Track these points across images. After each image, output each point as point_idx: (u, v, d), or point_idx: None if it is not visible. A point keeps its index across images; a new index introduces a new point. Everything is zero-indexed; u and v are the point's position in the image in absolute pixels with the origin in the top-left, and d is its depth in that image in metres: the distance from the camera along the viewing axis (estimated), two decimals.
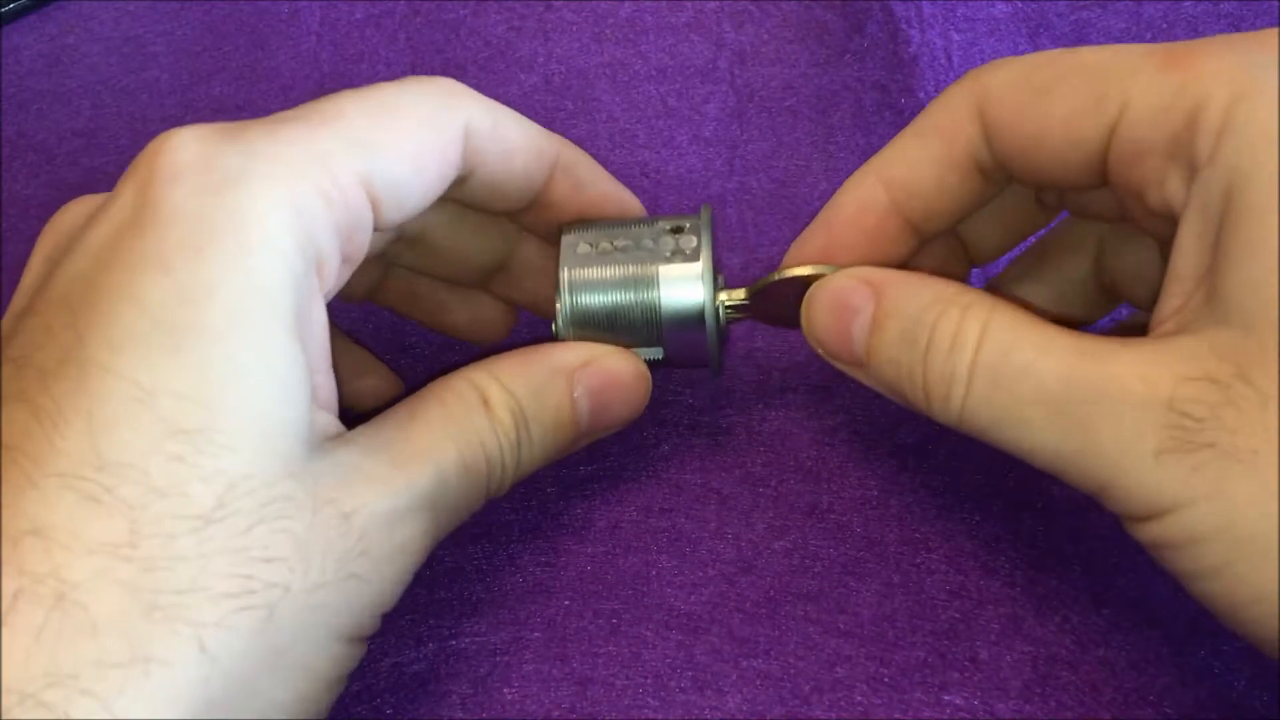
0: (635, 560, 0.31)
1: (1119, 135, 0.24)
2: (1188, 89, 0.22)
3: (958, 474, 0.32)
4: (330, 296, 0.25)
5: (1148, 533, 0.22)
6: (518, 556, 0.31)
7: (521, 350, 0.28)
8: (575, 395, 0.27)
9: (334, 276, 0.24)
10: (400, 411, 0.25)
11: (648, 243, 0.29)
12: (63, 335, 0.21)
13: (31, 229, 0.39)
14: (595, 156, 0.30)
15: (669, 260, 0.28)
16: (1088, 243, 0.30)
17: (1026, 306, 0.25)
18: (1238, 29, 0.41)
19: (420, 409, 0.25)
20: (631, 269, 0.28)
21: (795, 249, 0.29)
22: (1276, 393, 0.20)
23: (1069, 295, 0.31)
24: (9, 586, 0.19)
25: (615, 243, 0.29)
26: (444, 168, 0.26)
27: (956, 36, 0.41)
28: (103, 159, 0.41)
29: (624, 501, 0.32)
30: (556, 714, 0.28)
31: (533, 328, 0.35)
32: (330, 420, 0.24)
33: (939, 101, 0.27)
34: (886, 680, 0.28)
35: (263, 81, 0.43)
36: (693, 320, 0.28)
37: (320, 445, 0.23)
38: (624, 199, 0.30)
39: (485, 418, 0.25)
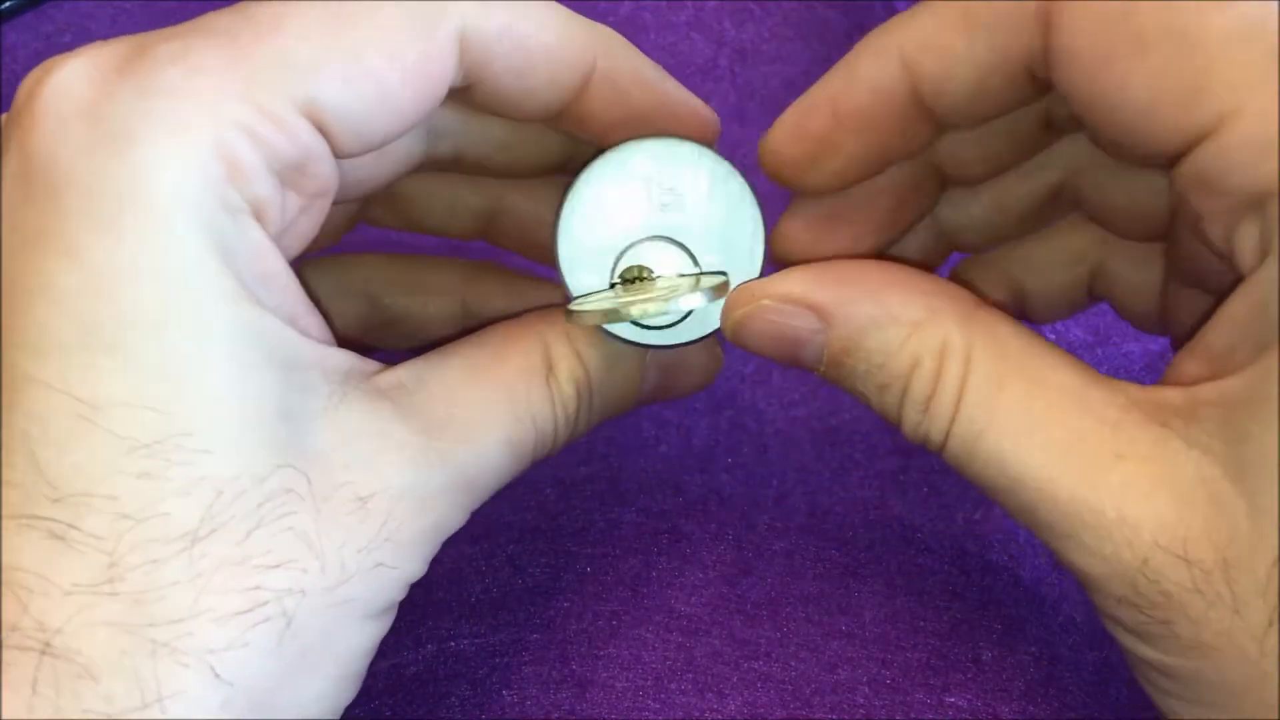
0: (635, 561, 0.30)
1: (1204, 150, 0.19)
2: None
3: (958, 474, 0.31)
4: (298, 234, 0.22)
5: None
6: (517, 557, 0.31)
7: None
8: (648, 368, 0.25)
9: (281, 216, 0.21)
10: (453, 361, 0.23)
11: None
12: None
13: None
14: None
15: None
16: (1088, 253, 0.27)
17: (1003, 307, 0.22)
18: None
19: (480, 364, 0.23)
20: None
21: (791, 123, 0.23)
22: (1261, 601, 0.18)
23: (1047, 293, 0.27)
24: None
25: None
26: (425, 88, 0.21)
27: None
28: None
29: (624, 502, 0.32)
30: (556, 715, 0.28)
31: None
32: (344, 357, 0.21)
33: None
34: (888, 682, 0.28)
35: None
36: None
37: (339, 401, 0.20)
38: (679, 106, 0.25)
39: (546, 390, 0.23)
